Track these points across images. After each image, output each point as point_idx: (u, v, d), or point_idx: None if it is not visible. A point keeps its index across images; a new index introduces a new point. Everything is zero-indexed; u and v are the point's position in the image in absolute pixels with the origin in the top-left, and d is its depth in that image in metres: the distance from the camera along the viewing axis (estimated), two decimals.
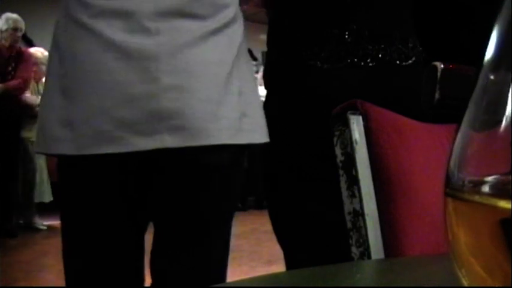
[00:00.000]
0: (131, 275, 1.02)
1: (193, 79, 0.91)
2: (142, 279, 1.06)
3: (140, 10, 0.91)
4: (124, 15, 0.90)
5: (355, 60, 0.99)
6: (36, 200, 4.56)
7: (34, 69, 4.48)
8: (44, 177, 4.56)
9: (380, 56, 1.00)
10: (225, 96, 0.93)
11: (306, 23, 1.03)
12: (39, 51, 4.63)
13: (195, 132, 0.89)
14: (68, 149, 0.91)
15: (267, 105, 1.09)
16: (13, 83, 4.19)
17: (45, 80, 1.02)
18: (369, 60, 0.99)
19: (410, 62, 1.03)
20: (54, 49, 0.98)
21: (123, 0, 0.91)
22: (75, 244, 1.00)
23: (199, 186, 0.95)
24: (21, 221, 4.57)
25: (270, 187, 1.09)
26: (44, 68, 4.53)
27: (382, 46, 1.00)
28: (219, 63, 0.94)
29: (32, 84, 4.51)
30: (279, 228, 1.09)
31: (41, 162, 4.46)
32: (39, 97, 4.42)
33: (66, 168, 0.99)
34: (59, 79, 0.94)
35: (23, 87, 4.29)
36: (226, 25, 0.98)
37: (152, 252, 1.04)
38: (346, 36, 0.99)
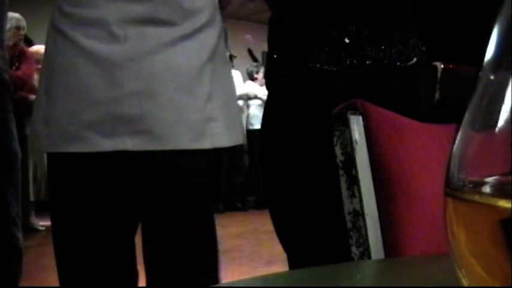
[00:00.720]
0: (122, 270, 1.06)
1: (156, 85, 0.94)
2: (135, 275, 1.09)
3: (110, 18, 0.95)
4: (97, 24, 0.96)
5: (355, 61, 0.98)
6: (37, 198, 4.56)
7: (37, 66, 4.48)
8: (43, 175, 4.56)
9: (380, 57, 0.99)
10: (190, 102, 0.97)
11: (305, 23, 1.02)
12: (42, 48, 4.63)
13: (154, 137, 0.94)
14: (43, 146, 0.99)
15: (268, 105, 1.09)
16: (15, 74, 4.19)
17: (40, 81, 1.09)
18: (369, 62, 0.99)
19: (411, 62, 1.02)
20: (46, 53, 1.06)
21: (97, 9, 0.96)
22: (60, 238, 1.04)
23: (164, 190, 0.99)
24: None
25: (271, 187, 1.09)
26: None
27: (382, 47, 0.99)
28: (186, 69, 0.97)
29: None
30: (280, 228, 1.09)
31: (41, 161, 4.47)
32: None
33: (51, 166, 1.04)
34: (45, 81, 1.02)
35: (25, 80, 4.28)
36: (197, 30, 1.00)
37: (142, 251, 1.07)
38: (346, 38, 0.99)
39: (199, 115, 0.97)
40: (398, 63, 1.00)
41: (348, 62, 0.98)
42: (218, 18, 1.07)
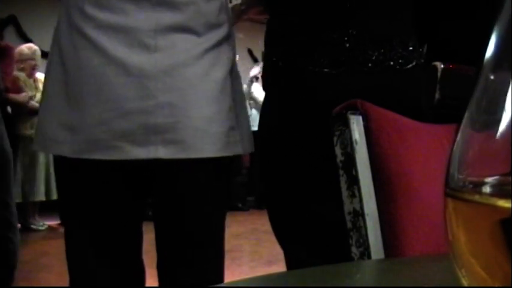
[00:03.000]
0: (129, 270, 1.09)
1: (187, 97, 0.98)
2: (143, 273, 1.12)
3: (140, 26, 0.97)
4: (124, 31, 0.97)
5: (355, 65, 0.99)
6: (37, 198, 4.55)
7: (22, 66, 4.48)
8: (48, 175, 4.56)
9: (380, 60, 0.99)
10: (216, 113, 1.01)
11: (305, 27, 1.02)
12: (25, 47, 4.62)
13: (186, 146, 0.98)
14: (66, 151, 0.99)
15: (266, 106, 1.09)
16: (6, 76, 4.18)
17: (46, 82, 1.07)
18: (369, 65, 0.99)
19: (410, 66, 1.03)
20: (56, 54, 1.03)
21: (125, 16, 0.97)
22: (74, 240, 1.06)
23: (188, 195, 1.04)
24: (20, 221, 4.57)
25: (270, 187, 1.09)
26: (32, 63, 4.55)
27: (382, 51, 0.99)
28: (212, 81, 1.01)
29: (26, 79, 4.51)
30: (278, 228, 1.09)
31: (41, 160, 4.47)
32: (38, 93, 4.43)
33: (65, 169, 1.05)
34: (62, 85, 1.00)
35: (12, 80, 4.27)
36: (219, 43, 1.04)
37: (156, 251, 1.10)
38: (346, 41, 0.99)
39: (223, 125, 1.02)
40: (398, 67, 1.01)
41: (348, 66, 0.99)
42: (233, 34, 1.12)
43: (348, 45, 0.99)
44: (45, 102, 1.05)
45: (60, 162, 1.05)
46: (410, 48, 1.03)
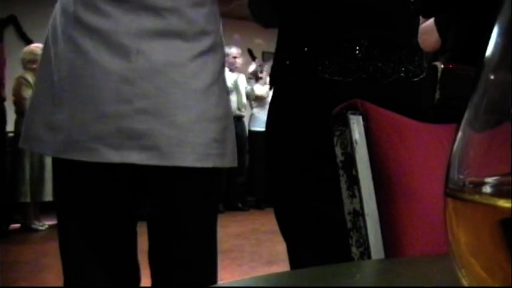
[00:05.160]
0: (125, 268, 1.10)
1: (165, 104, 0.98)
2: (138, 271, 1.13)
3: (122, 30, 0.97)
4: (107, 34, 0.97)
5: (364, 75, 1.00)
6: (45, 198, 4.55)
7: (34, 66, 4.47)
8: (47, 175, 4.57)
9: (389, 73, 1.01)
10: (194, 123, 1.00)
11: (318, 34, 1.04)
12: (37, 48, 4.61)
13: (160, 154, 0.98)
14: (48, 150, 1.03)
15: (274, 107, 1.10)
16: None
17: (36, 82, 1.10)
18: (378, 76, 1.00)
19: (417, 79, 1.05)
20: (46, 53, 1.05)
21: (108, 19, 0.97)
22: (69, 240, 1.07)
23: (182, 196, 1.05)
24: (18, 221, 4.57)
25: (275, 186, 1.10)
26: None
27: (392, 64, 1.02)
28: (192, 90, 1.00)
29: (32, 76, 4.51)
30: (284, 225, 1.10)
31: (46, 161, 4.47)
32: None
33: (61, 168, 1.06)
34: (49, 84, 1.02)
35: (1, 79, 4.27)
36: (204, 52, 1.03)
37: (148, 253, 1.12)
38: (357, 51, 1.00)
39: (204, 136, 1.01)
40: (406, 79, 1.03)
41: (358, 76, 1.00)
42: (222, 45, 1.10)
43: (359, 55, 1.00)
44: (33, 101, 1.07)
45: (57, 161, 1.06)
46: (417, 62, 1.05)
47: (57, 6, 1.05)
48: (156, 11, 0.98)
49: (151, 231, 1.10)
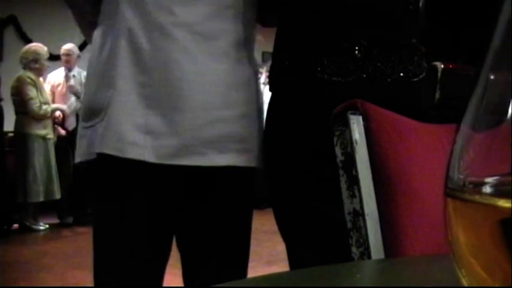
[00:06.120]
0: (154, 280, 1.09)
1: (255, 110, 1.08)
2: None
3: (226, 38, 1.02)
4: (210, 38, 1.01)
5: (364, 75, 1.00)
6: (54, 197, 4.55)
7: (36, 66, 4.47)
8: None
9: (389, 73, 1.01)
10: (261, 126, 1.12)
11: (317, 34, 1.04)
12: (39, 47, 4.61)
13: (254, 156, 1.06)
14: (147, 156, 0.98)
15: (273, 107, 1.10)
16: None
17: (117, 81, 0.99)
18: (378, 76, 1.01)
19: (417, 79, 1.05)
20: (128, 51, 0.99)
21: (210, 24, 1.01)
22: (107, 244, 1.05)
23: (238, 201, 1.11)
24: (17, 220, 4.57)
25: (275, 187, 1.11)
26: (45, 64, 4.56)
27: (391, 64, 1.02)
28: (262, 96, 1.16)
29: (36, 80, 4.51)
30: (283, 226, 1.10)
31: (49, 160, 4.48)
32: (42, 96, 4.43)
33: (107, 169, 1.02)
34: (136, 85, 0.98)
35: None
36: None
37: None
38: (356, 51, 1.00)
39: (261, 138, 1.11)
40: (405, 79, 1.03)
41: (357, 76, 1.00)
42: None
43: (358, 55, 1.00)
44: (117, 103, 0.98)
45: (105, 162, 1.00)
46: (417, 62, 1.05)
47: (140, 3, 1.00)
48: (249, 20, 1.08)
49: (190, 232, 1.11)
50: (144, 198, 1.02)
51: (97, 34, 1.07)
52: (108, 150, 0.98)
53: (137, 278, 1.04)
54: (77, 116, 4.83)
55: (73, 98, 4.81)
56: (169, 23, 0.98)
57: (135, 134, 0.97)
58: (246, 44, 1.06)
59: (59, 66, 4.92)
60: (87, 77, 1.12)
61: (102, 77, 1.02)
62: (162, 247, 1.08)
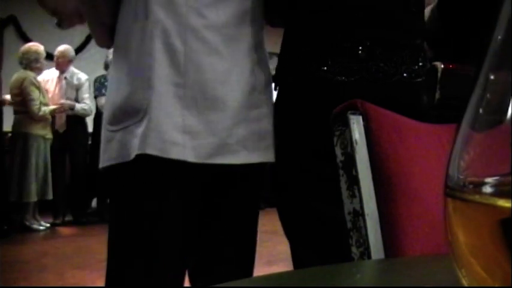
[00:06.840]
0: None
1: (272, 110, 1.11)
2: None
3: (245, 40, 1.06)
4: (236, 40, 1.04)
5: (367, 75, 1.00)
6: (37, 198, 4.55)
7: (37, 65, 4.47)
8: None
9: (391, 72, 1.01)
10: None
11: (320, 34, 1.04)
12: (38, 47, 4.62)
13: (272, 152, 1.09)
14: (187, 155, 0.99)
15: (277, 106, 1.11)
16: None
17: (154, 82, 0.99)
18: (380, 76, 1.01)
19: (419, 80, 1.05)
20: (163, 53, 0.99)
21: (234, 27, 1.04)
22: (138, 244, 1.03)
23: (254, 197, 1.15)
24: (16, 220, 4.57)
25: (279, 187, 1.11)
26: (44, 63, 4.57)
27: (393, 64, 1.02)
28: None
29: (37, 80, 4.51)
30: (287, 224, 1.10)
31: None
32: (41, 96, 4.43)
33: (142, 168, 1.00)
34: (174, 87, 0.99)
35: None
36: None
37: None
38: (359, 51, 1.00)
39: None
40: (408, 80, 1.03)
41: (360, 76, 1.00)
42: None
43: (361, 55, 1.00)
44: (156, 104, 0.98)
45: (147, 164, 0.99)
46: (421, 63, 1.05)
47: (171, 5, 1.00)
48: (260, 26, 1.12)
49: (206, 230, 1.12)
50: (178, 197, 1.03)
51: (123, 35, 1.05)
52: (151, 151, 0.97)
53: (164, 277, 1.04)
54: (77, 118, 4.84)
55: (77, 104, 4.83)
56: (201, 25, 1.00)
57: (175, 134, 0.98)
58: (261, 47, 1.10)
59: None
60: (115, 79, 1.08)
61: (136, 79, 1.01)
62: (190, 245, 1.09)
